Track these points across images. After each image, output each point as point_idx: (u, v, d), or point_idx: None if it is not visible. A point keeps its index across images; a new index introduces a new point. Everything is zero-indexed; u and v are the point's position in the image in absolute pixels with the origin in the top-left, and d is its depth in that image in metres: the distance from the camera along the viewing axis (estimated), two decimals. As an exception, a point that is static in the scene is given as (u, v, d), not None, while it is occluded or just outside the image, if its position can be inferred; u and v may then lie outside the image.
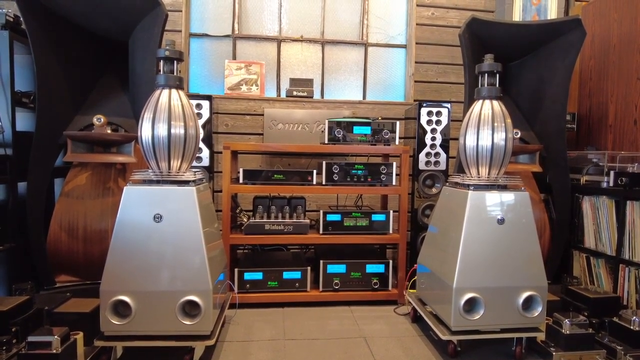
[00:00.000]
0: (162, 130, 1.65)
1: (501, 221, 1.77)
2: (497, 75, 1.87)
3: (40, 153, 2.10)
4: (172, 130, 1.66)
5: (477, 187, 1.80)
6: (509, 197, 1.79)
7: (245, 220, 2.38)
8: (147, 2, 2.09)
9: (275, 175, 2.33)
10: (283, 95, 3.17)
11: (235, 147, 2.30)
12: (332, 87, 3.30)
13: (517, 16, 2.95)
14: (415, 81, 3.24)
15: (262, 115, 3.05)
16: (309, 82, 3.12)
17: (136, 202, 1.64)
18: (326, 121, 2.34)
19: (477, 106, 1.88)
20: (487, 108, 1.85)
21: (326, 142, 2.35)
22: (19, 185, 2.16)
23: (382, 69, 3.34)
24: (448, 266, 1.80)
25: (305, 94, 3.09)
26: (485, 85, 1.88)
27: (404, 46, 3.35)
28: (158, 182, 1.68)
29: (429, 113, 2.47)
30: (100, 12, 2.10)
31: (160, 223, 1.63)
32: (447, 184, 2.02)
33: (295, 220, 2.35)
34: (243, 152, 3.00)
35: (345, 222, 2.38)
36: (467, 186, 1.82)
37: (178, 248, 1.62)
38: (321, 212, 2.36)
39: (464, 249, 1.74)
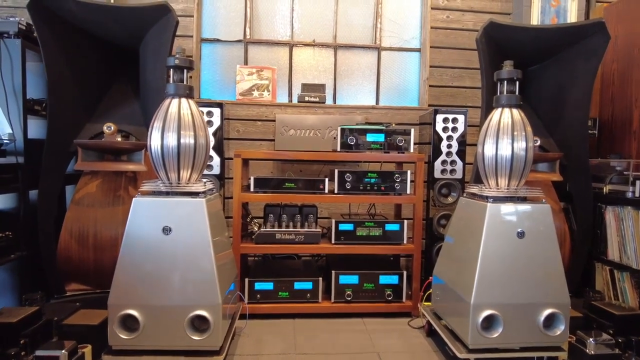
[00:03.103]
0: (171, 140, 1.62)
1: (521, 235, 1.70)
2: (517, 82, 1.80)
3: (51, 161, 2.09)
4: (182, 140, 1.63)
5: (496, 199, 1.73)
6: (529, 209, 1.72)
7: (256, 228, 2.34)
8: (158, 10, 2.07)
9: (286, 184, 2.29)
10: (295, 100, 3.13)
11: (246, 155, 2.26)
12: (345, 92, 3.25)
13: (535, 19, 2.86)
14: (430, 86, 3.16)
15: (274, 121, 3.01)
16: (321, 87, 3.07)
17: (145, 214, 1.61)
18: (338, 128, 2.29)
19: (496, 114, 1.81)
20: (506, 117, 1.78)
21: (338, 149, 2.30)
22: (30, 193, 2.15)
23: (396, 74, 3.28)
24: (465, 281, 1.74)
25: (317, 99, 3.04)
26: (505, 92, 1.81)
27: (418, 50, 3.28)
28: (167, 193, 1.65)
29: (445, 120, 2.40)
30: (111, 20, 2.09)
31: (169, 235, 1.59)
32: (465, 194, 1.95)
33: (306, 230, 2.30)
34: (254, 159, 2.96)
35: (358, 232, 2.33)
36: (486, 198, 1.75)
37: (187, 261, 1.59)
38: (333, 221, 2.31)
39: (482, 264, 1.67)
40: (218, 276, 1.60)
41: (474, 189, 1.89)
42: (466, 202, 1.90)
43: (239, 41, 3.15)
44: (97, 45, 2.24)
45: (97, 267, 2.21)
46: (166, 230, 1.59)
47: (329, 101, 3.19)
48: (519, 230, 1.69)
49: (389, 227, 2.34)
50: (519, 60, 2.23)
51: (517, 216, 1.70)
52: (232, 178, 2.80)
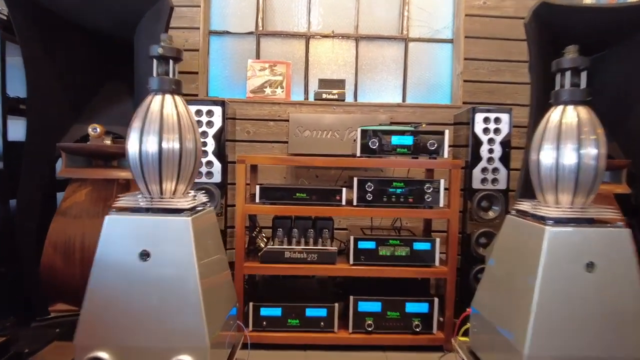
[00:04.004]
0: (151, 145, 1.33)
1: (591, 267, 1.32)
2: (584, 73, 1.42)
3: (31, 167, 1.85)
4: (165, 145, 1.34)
5: (558, 222, 1.35)
6: (602, 234, 1.34)
7: (262, 244, 2.04)
8: (150, -6, 1.79)
9: (297, 194, 1.98)
10: (311, 98, 2.81)
11: (251, 161, 1.96)
12: (367, 89, 2.91)
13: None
14: (464, 81, 2.79)
15: (287, 121, 2.70)
16: (340, 83, 2.74)
17: (119, 236, 1.33)
18: (358, 129, 1.96)
19: (555, 113, 1.44)
20: (570, 116, 1.41)
21: (358, 154, 1.97)
22: (10, 203, 1.92)
23: (425, 68, 2.92)
24: (516, 322, 1.38)
25: (336, 96, 2.72)
26: (567, 86, 1.43)
27: (451, 41, 2.90)
28: (147, 210, 1.36)
29: (486, 119, 2.03)
30: (96, 6, 1.83)
31: (147, 262, 1.30)
32: (512, 211, 1.59)
33: (320, 248, 1.98)
34: (261, 165, 2.66)
35: (380, 251, 1.99)
36: (543, 219, 1.38)
37: (168, 294, 1.30)
38: (352, 238, 1.98)
39: (540, 303, 1.31)
40: (206, 312, 1.30)
41: (526, 206, 1.52)
42: (515, 222, 1.53)
43: (251, 33, 2.86)
44: (86, 37, 1.99)
45: (84, 284, 1.94)
46: (144, 256, 1.30)
47: (349, 98, 2.86)
48: (588, 261, 1.32)
49: (418, 245, 1.99)
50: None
51: (586, 243, 1.33)
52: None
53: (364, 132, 1.96)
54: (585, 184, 1.38)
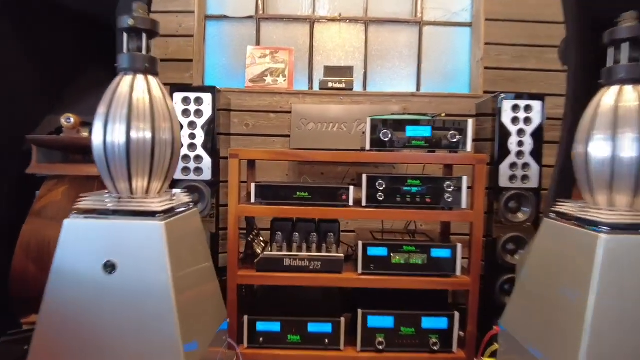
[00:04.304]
0: (118, 135, 1.10)
1: (657, 284, 1.07)
2: (645, 44, 1.16)
3: (-1, 162, 1.64)
4: (133, 135, 1.11)
5: (615, 228, 1.10)
6: (671, 244, 1.08)
7: (259, 250, 1.81)
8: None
9: (298, 193, 1.74)
10: (316, 87, 2.57)
11: (246, 155, 1.73)
12: (378, 77, 2.66)
13: None
14: (485, 68, 2.52)
15: (290, 112, 2.47)
16: (347, 71, 2.49)
17: (80, 243, 1.10)
18: (368, 119, 1.72)
19: (608, 96, 1.19)
20: (629, 98, 1.15)
21: (367, 147, 1.73)
22: (-23, 203, 1.72)
23: (442, 54, 2.66)
24: (560, 347, 1.13)
25: (343, 85, 2.47)
26: (624, 61, 1.17)
27: (469, 24, 2.64)
28: (114, 212, 1.14)
29: (515, 108, 1.76)
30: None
31: (112, 275, 1.08)
32: (551, 214, 1.33)
33: (324, 255, 1.74)
34: (257, 160, 2.43)
35: (393, 259, 1.75)
36: (594, 224, 1.12)
37: (136, 312, 1.07)
38: (360, 244, 1.74)
39: (594, 328, 1.06)
40: (183, 332, 1.07)
41: (568, 208, 1.26)
42: (555, 228, 1.28)
43: (250, 17, 2.63)
44: (64, 16, 1.77)
45: (61, 295, 1.74)
46: (108, 268, 1.07)
47: (357, 88, 2.61)
48: (655, 277, 1.06)
49: (437, 252, 1.74)
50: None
51: (652, 255, 1.07)
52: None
53: (374, 122, 1.72)
54: (648, 181, 1.12)
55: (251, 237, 1.92)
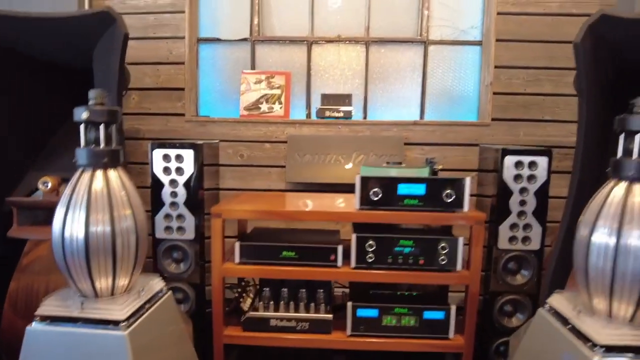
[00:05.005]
0: (76, 235, 1.05)
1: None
2: (661, 137, 1.02)
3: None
4: (92, 235, 1.05)
5: (610, 350, 0.99)
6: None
7: (247, 306, 1.76)
8: (98, 20, 1.46)
9: (284, 252, 1.67)
10: (314, 112, 2.44)
11: (229, 215, 1.65)
12: (379, 102, 2.52)
13: None
14: (494, 93, 2.35)
15: (286, 142, 2.37)
16: (346, 99, 2.37)
17: (42, 352, 1.07)
18: (357, 177, 1.61)
19: (617, 191, 1.05)
20: (638, 200, 1.02)
21: (357, 206, 1.63)
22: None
23: (449, 75, 2.49)
24: None
25: (341, 114, 2.35)
26: (636, 154, 1.04)
27: (479, 43, 2.45)
28: (77, 319, 1.09)
29: (518, 164, 1.62)
30: (41, 35, 1.52)
31: (73, 389, 1.04)
32: (546, 305, 1.23)
33: (312, 315, 1.68)
34: (237, 219, 2.35)
35: (384, 320, 1.67)
36: (590, 343, 1.02)
37: None
38: (349, 305, 1.66)
39: None
40: None
41: (565, 305, 1.16)
42: (548, 327, 1.17)
43: (245, 40, 2.50)
44: (40, 68, 1.70)
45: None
46: (69, 382, 1.04)
47: (357, 113, 2.48)
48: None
49: (430, 314, 1.66)
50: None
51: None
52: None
53: (363, 180, 1.61)
54: (654, 295, 1.00)
55: (239, 289, 1.87)
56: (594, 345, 1.00)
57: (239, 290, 1.84)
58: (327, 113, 2.36)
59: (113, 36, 1.46)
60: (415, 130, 2.36)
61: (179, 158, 1.64)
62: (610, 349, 0.99)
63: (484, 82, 2.40)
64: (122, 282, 1.14)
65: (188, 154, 1.64)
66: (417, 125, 2.37)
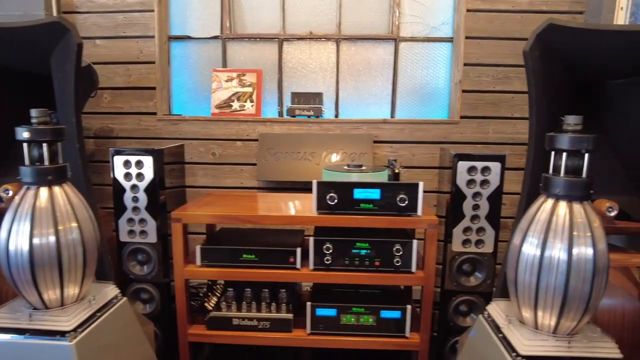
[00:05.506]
0: (20, 249, 1.09)
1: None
2: (588, 156, 1.04)
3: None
4: (36, 241, 1.09)
5: None
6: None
7: (211, 305, 1.81)
8: (51, 31, 1.46)
9: (244, 255, 1.71)
10: (286, 110, 2.45)
11: (189, 220, 1.69)
12: (350, 99, 2.53)
13: (621, 19, 1.92)
14: (464, 91, 2.36)
15: (257, 140, 2.39)
16: (316, 98, 2.38)
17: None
18: (314, 182, 1.64)
19: (545, 207, 1.09)
20: (561, 215, 1.06)
21: (314, 211, 1.66)
22: None
23: (420, 72, 2.49)
24: None
25: (311, 112, 2.37)
26: (562, 173, 1.07)
27: (450, 40, 2.44)
28: (25, 331, 1.14)
29: (471, 170, 1.65)
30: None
31: (22, 397, 1.09)
32: (485, 312, 1.27)
33: (273, 315, 1.74)
34: (195, 228, 2.39)
35: (342, 319, 1.73)
36: (514, 353, 1.07)
37: None
38: (309, 305, 1.72)
39: None
40: None
41: (500, 314, 1.21)
42: (485, 333, 1.22)
43: (216, 37, 2.49)
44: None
45: None
46: (18, 389, 1.09)
47: (329, 111, 2.50)
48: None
49: (387, 314, 1.71)
50: (594, 75, 1.46)
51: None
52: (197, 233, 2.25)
53: (319, 185, 1.64)
54: (577, 303, 1.05)
55: (205, 289, 1.93)
56: (517, 355, 1.05)
57: (205, 290, 1.89)
58: (298, 112, 2.37)
59: (68, 45, 1.46)
60: (385, 128, 2.38)
61: (139, 164, 1.67)
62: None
63: (454, 79, 2.41)
64: (72, 292, 1.19)
65: (147, 160, 1.67)
66: (386, 123, 2.38)
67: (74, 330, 1.12)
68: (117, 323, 1.30)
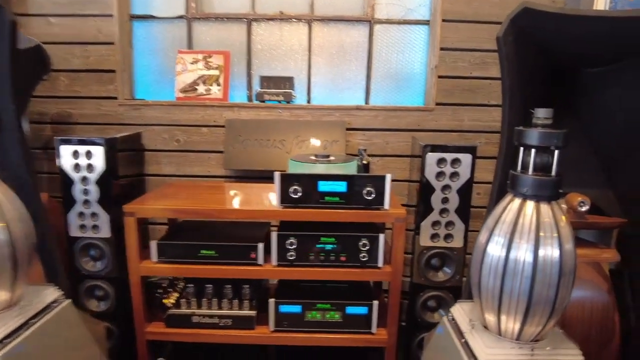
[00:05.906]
0: None
1: None
2: (557, 152, 0.97)
3: None
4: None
5: (492, 367, 0.99)
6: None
7: (171, 302, 1.73)
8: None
9: (202, 251, 1.62)
10: (255, 97, 2.34)
11: (143, 214, 1.59)
12: (323, 84, 2.42)
13: (601, 4, 1.84)
14: (439, 77, 2.27)
15: (224, 127, 2.28)
16: (287, 82, 2.27)
17: None
18: (276, 174, 1.55)
19: (512, 206, 1.02)
20: (528, 215, 0.99)
21: (277, 204, 1.58)
22: None
23: (395, 56, 2.39)
24: None
25: (281, 97, 2.25)
26: (530, 171, 0.99)
27: (427, 22, 2.34)
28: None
29: (441, 161, 1.58)
30: None
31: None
32: (450, 314, 1.22)
33: (235, 312, 1.67)
34: (153, 220, 2.28)
35: (307, 315, 1.66)
36: (474, 356, 1.01)
37: None
38: (272, 302, 1.65)
39: None
40: None
41: (463, 318, 1.15)
42: (447, 336, 1.17)
43: (181, 17, 2.34)
44: None
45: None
46: (-61, 405, 1.00)
47: (300, 98, 2.39)
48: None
49: (352, 310, 1.66)
50: (570, 62, 1.39)
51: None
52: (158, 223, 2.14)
53: (283, 178, 1.55)
54: (542, 309, 0.99)
55: (164, 285, 1.83)
56: (476, 360, 1.00)
57: (165, 285, 1.80)
58: (267, 97, 2.26)
59: (0, 24, 1.33)
60: (358, 115, 2.29)
61: (89, 154, 1.55)
62: (489, 366, 0.99)
63: (430, 64, 2.31)
64: (1, 298, 1.08)
65: (98, 150, 1.55)
66: (359, 110, 2.29)
67: (1, 341, 1.03)
68: (58, 327, 1.20)
